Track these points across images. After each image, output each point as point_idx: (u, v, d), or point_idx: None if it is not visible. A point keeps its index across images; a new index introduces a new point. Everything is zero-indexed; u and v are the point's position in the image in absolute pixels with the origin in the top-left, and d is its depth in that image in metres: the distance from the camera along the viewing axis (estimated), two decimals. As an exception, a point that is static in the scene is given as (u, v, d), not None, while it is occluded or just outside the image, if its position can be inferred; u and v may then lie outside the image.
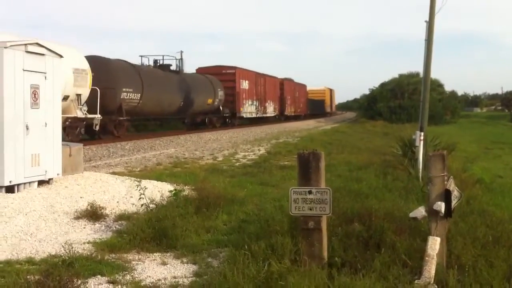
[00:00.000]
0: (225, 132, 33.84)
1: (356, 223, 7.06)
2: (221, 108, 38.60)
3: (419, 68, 54.31)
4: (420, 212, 6.03)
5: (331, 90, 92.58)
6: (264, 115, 49.60)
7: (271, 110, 51.95)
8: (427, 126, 14.01)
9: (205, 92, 35.51)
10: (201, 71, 40.25)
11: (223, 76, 40.10)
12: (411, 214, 6.17)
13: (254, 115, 46.24)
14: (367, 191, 10.18)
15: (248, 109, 44.25)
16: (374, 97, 65.52)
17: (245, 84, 43.20)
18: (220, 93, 37.69)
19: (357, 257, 6.17)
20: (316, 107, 78.35)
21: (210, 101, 36.22)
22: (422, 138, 12.94)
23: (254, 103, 45.96)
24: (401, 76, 64.29)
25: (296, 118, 63.10)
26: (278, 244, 6.32)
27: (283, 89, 57.03)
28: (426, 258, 5.60)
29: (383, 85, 65.68)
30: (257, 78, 47.00)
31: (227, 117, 40.10)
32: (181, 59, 34.26)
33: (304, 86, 70.58)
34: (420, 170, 12.46)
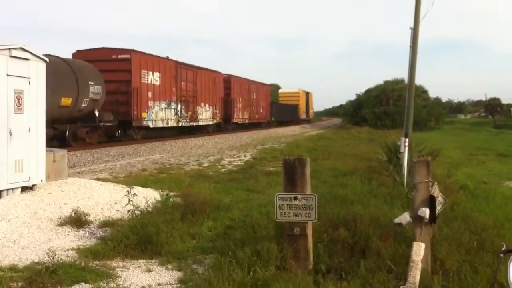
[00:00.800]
0: (211, 138, 33.78)
1: (342, 229, 7.07)
2: (96, 112, 24.24)
3: (404, 75, 54.75)
4: (405, 218, 6.06)
5: (307, 94, 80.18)
6: (194, 124, 35.70)
7: (207, 116, 37.88)
8: (412, 132, 14.08)
9: (57, 86, 20.19)
10: (79, 56, 26.66)
11: (112, 64, 26.76)
12: (396, 220, 6.19)
13: (172, 124, 32.24)
14: (353, 197, 10.20)
15: (159, 114, 30.40)
16: (359, 103, 65.91)
17: (152, 78, 29.33)
18: (94, 89, 23.58)
19: (343, 263, 6.19)
20: (285, 112, 66.23)
21: (67, 101, 21.98)
22: (406, 144, 13.00)
23: (173, 107, 32.09)
24: (386, 82, 64.82)
25: (253, 126, 49.48)
26: (263, 250, 6.31)
27: (230, 88, 43.09)
28: (411, 263, 5.61)
29: (368, 91, 66.13)
30: (179, 70, 32.77)
31: (110, 127, 25.62)
32: None
33: (266, 86, 57.16)
34: (405, 176, 12.50)
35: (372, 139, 32.70)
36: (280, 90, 72.38)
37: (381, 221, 7.56)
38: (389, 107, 58.59)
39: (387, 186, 12.02)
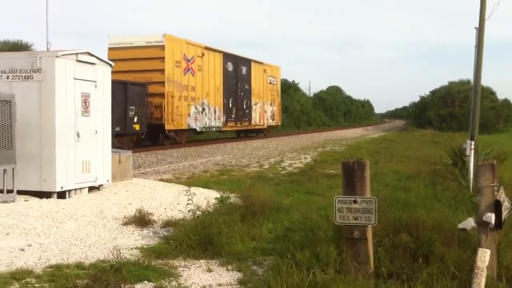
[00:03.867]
0: (272, 140, 33.87)
1: (404, 234, 6.93)
2: None
3: (471, 76, 53.09)
4: (469, 223, 5.89)
5: (241, 62, 34.02)
6: None
7: None
8: (479, 135, 13.65)
9: None
10: None
11: None
12: (460, 225, 6.02)
13: None
14: (415, 201, 9.99)
15: None
16: (424, 104, 64.45)
17: None
18: None
19: (404, 268, 6.05)
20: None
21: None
22: (472, 147, 12.61)
23: None
24: (451, 83, 63.03)
25: None
26: (322, 253, 6.27)
27: None
28: (476, 270, 5.46)
29: (433, 92, 64.58)
30: None
31: None
32: None
33: None
34: (471, 180, 12.14)
35: (437, 142, 31.87)
36: (109, 40, 25.68)
37: (445, 226, 7.36)
38: (454, 108, 57.00)
39: (452, 190, 11.70)
